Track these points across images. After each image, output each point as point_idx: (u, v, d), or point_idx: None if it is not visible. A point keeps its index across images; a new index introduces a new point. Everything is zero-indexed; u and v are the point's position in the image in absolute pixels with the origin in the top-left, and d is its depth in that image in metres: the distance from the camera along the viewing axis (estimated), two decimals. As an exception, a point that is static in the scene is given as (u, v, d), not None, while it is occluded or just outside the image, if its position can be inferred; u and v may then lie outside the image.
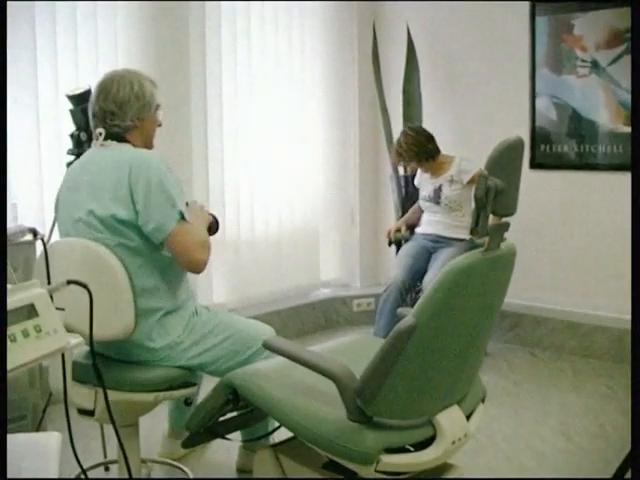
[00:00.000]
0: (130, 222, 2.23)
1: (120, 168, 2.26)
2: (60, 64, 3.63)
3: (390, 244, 4.53)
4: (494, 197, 1.80)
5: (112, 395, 2.12)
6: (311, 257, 5.09)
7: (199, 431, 2.32)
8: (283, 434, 2.37)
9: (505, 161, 1.86)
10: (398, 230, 4.48)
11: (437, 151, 4.26)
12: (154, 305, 2.30)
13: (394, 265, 4.33)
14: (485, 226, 1.80)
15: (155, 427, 3.08)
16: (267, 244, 4.77)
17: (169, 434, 2.92)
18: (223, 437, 2.43)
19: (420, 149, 4.20)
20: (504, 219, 1.89)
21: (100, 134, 2.37)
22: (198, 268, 2.30)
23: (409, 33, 4.82)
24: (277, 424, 2.47)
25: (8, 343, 1.23)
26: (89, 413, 2.30)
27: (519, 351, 4.45)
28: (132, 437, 2.43)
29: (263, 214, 4.73)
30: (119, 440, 2.10)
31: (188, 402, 2.49)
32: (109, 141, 2.37)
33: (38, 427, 2.83)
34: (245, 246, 4.62)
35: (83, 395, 2.27)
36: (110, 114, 2.36)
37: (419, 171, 4.48)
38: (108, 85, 2.38)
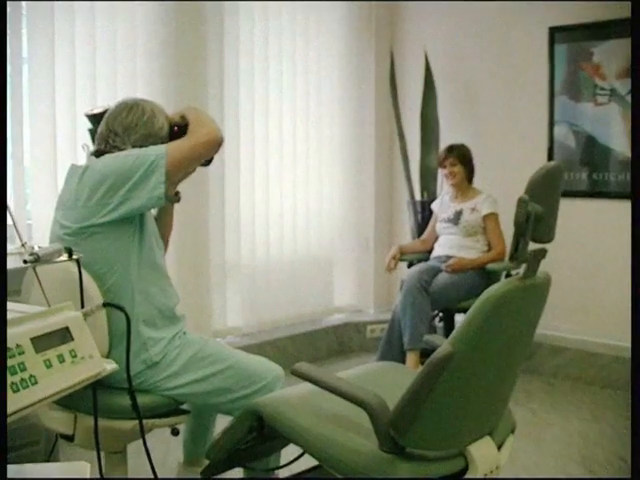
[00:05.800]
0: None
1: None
2: (78, 73, 3.58)
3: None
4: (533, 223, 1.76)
5: (88, 421, 2.02)
6: (325, 283, 5.05)
7: (220, 459, 2.25)
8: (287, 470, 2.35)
9: (544, 187, 1.82)
10: (394, 257, 4.38)
11: (472, 178, 4.33)
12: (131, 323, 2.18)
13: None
14: (525, 252, 1.76)
15: (169, 454, 3.02)
16: (282, 269, 4.73)
17: (185, 462, 2.84)
18: (244, 466, 2.37)
19: (471, 163, 4.30)
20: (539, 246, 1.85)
21: (86, 147, 2.30)
22: (215, 134, 2.25)
23: (427, 59, 4.83)
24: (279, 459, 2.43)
25: (44, 369, 1.17)
26: (68, 438, 2.18)
27: (536, 381, 4.37)
28: (120, 464, 2.30)
29: (278, 239, 4.70)
30: (99, 465, 2.00)
31: (174, 432, 2.33)
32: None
33: (51, 453, 2.76)
34: (260, 271, 4.58)
35: (59, 419, 2.15)
36: (114, 134, 2.26)
37: (440, 196, 4.52)
38: (120, 107, 2.31)
